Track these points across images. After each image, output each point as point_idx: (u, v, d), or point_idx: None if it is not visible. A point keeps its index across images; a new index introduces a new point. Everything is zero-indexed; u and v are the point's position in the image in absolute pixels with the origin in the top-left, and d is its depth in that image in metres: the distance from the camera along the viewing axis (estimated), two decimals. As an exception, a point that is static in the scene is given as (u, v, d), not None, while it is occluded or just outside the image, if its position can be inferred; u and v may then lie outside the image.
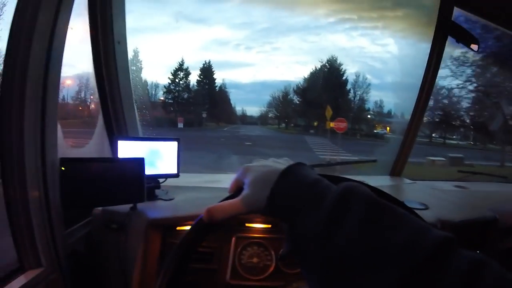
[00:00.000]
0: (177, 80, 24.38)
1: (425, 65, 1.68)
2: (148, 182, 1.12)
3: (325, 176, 0.40)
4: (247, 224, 1.11)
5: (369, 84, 24.97)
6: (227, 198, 0.44)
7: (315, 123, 25.84)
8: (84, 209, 1.10)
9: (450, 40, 1.61)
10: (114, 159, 1.11)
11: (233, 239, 1.09)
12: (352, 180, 0.40)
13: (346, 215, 0.32)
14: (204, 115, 24.27)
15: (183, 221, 1.05)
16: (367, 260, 0.29)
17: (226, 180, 1.66)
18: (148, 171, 1.09)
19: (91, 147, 1.32)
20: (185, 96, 24.86)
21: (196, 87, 25.92)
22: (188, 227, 0.46)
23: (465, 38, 1.55)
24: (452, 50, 1.69)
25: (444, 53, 1.64)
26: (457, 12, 1.53)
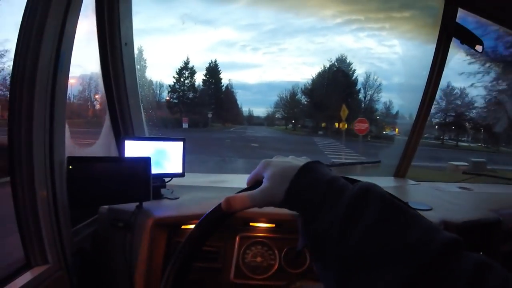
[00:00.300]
0: (182, 80, 23.68)
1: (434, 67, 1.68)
2: (154, 182, 1.13)
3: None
4: (251, 224, 1.12)
5: (380, 84, 23.62)
6: (245, 190, 0.45)
7: (323, 124, 25.13)
8: (91, 207, 1.12)
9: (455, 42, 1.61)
10: (120, 159, 1.13)
11: (237, 238, 1.10)
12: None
13: (362, 212, 0.33)
14: (210, 116, 23.55)
15: (188, 220, 1.06)
16: (381, 257, 0.30)
17: (232, 180, 1.67)
18: (154, 170, 1.10)
19: (98, 147, 1.34)
20: (190, 96, 24.16)
21: (202, 87, 25.19)
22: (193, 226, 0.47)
23: (469, 39, 1.54)
24: (457, 51, 1.68)
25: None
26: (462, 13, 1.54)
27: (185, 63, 23.68)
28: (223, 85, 26.42)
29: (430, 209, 1.24)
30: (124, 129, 1.38)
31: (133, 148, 1.17)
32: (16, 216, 0.82)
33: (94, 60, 1.29)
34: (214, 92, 25.71)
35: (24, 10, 0.79)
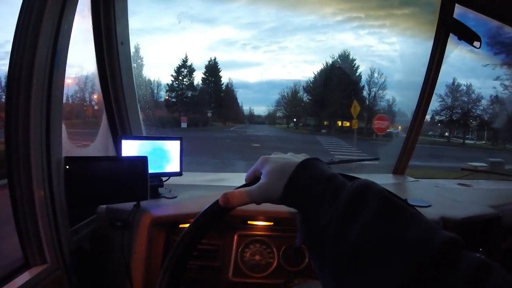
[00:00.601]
0: (180, 78, 23.33)
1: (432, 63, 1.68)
2: (152, 181, 1.13)
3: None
4: (249, 222, 1.12)
5: (385, 81, 23.02)
6: (243, 186, 0.45)
7: (325, 123, 24.88)
8: (89, 207, 1.12)
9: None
10: (118, 158, 1.13)
11: (236, 236, 1.10)
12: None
13: (361, 209, 0.33)
14: (210, 115, 23.18)
15: (186, 218, 1.06)
16: (379, 253, 0.30)
17: (230, 179, 1.67)
18: (152, 169, 1.11)
19: (96, 146, 1.34)
20: (189, 94, 23.77)
21: (201, 86, 24.82)
22: None
23: (467, 36, 1.54)
24: (454, 47, 1.67)
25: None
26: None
27: (183, 61, 23.23)
28: (223, 84, 25.99)
29: (429, 206, 1.24)
30: (121, 129, 1.38)
31: (131, 148, 1.17)
32: (14, 216, 0.82)
33: (92, 59, 1.30)
34: (214, 91, 25.27)
35: (20, 9, 0.79)
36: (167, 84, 22.87)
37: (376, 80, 23.15)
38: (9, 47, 0.80)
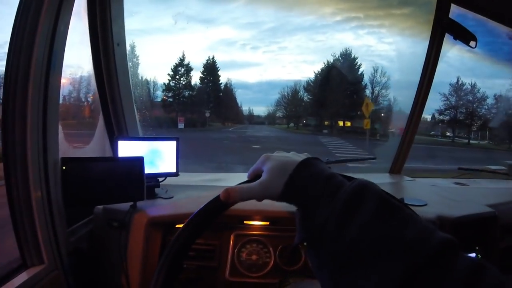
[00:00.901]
0: (177, 77, 22.67)
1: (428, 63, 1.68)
2: (148, 181, 1.13)
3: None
4: (245, 222, 1.12)
5: (388, 79, 22.07)
6: (244, 183, 0.46)
7: (326, 123, 24.39)
8: (85, 207, 1.13)
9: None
10: (114, 159, 1.13)
11: (232, 236, 1.10)
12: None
13: (359, 208, 0.34)
14: (208, 115, 22.65)
15: (182, 218, 1.07)
16: (376, 251, 0.31)
17: (227, 179, 1.67)
18: (148, 170, 1.11)
19: (93, 147, 1.35)
20: (187, 94, 23.23)
21: (199, 85, 24.29)
22: None
23: (463, 35, 1.54)
24: (450, 47, 1.68)
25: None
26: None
27: (180, 59, 22.63)
28: (221, 83, 25.48)
29: (425, 205, 1.25)
30: (117, 129, 1.39)
31: (127, 148, 1.18)
32: (11, 217, 0.83)
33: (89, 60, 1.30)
34: (213, 90, 24.74)
35: (17, 10, 0.80)
36: (164, 84, 22.27)
37: (379, 79, 22.64)
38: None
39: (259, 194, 0.44)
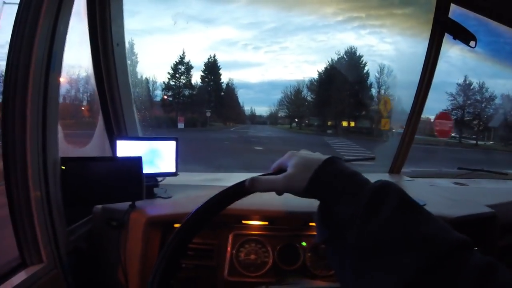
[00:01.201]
0: (177, 75, 22.46)
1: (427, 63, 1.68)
2: (147, 181, 1.14)
3: None
4: (244, 221, 1.12)
5: (395, 78, 21.66)
6: (268, 174, 0.49)
7: (329, 123, 24.22)
8: (85, 207, 1.13)
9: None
10: (113, 158, 1.13)
11: (231, 236, 1.10)
12: None
13: (382, 204, 0.36)
14: (209, 114, 22.39)
15: (181, 218, 1.06)
16: (399, 244, 0.33)
17: (226, 179, 1.67)
18: (147, 170, 1.12)
19: (93, 147, 1.35)
20: (187, 93, 22.99)
21: (200, 84, 24.07)
22: None
23: (462, 35, 1.54)
24: (450, 47, 1.68)
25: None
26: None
27: (180, 57, 22.38)
28: (223, 82, 25.18)
29: (424, 205, 1.24)
30: (117, 129, 1.39)
31: (126, 148, 1.18)
32: (10, 216, 0.83)
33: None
34: (214, 90, 24.43)
35: (17, 10, 0.80)
36: (164, 83, 21.97)
37: (386, 78, 22.39)
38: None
39: (282, 186, 0.46)
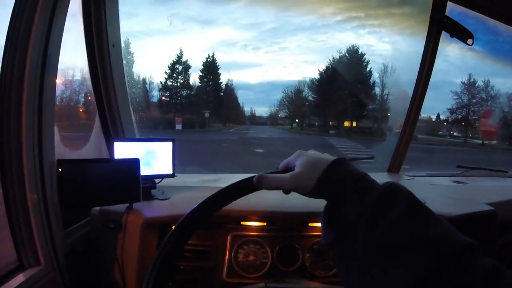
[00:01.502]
0: (175, 75, 21.66)
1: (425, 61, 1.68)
2: (145, 183, 1.13)
3: None
4: (242, 223, 1.12)
5: (398, 77, 21.61)
6: (276, 173, 0.48)
7: (331, 123, 23.69)
8: (82, 209, 1.13)
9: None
10: (109, 160, 1.13)
11: (229, 237, 1.10)
12: None
13: (391, 206, 0.36)
14: (207, 115, 21.86)
15: (178, 219, 1.06)
16: (407, 246, 0.33)
17: (224, 180, 1.66)
18: (144, 171, 1.11)
19: (90, 149, 1.35)
20: (185, 93, 22.27)
21: (198, 85, 23.34)
22: None
23: (459, 33, 1.54)
24: (447, 44, 1.68)
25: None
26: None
27: (178, 56, 21.69)
28: (222, 83, 24.41)
29: (424, 203, 1.24)
30: (114, 131, 1.39)
31: (123, 150, 1.18)
32: (7, 218, 0.83)
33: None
34: (213, 90, 23.90)
35: (12, 12, 0.80)
36: (161, 83, 21.42)
37: (389, 77, 21.16)
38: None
39: (289, 185, 0.46)
